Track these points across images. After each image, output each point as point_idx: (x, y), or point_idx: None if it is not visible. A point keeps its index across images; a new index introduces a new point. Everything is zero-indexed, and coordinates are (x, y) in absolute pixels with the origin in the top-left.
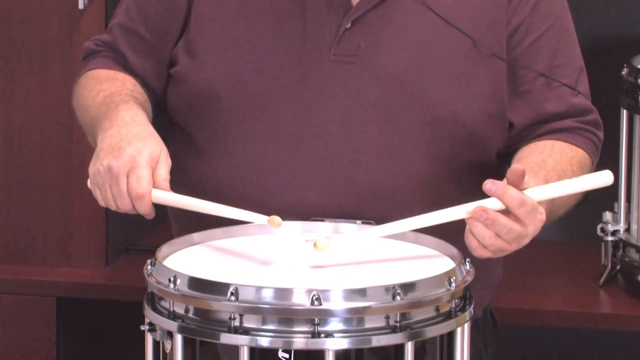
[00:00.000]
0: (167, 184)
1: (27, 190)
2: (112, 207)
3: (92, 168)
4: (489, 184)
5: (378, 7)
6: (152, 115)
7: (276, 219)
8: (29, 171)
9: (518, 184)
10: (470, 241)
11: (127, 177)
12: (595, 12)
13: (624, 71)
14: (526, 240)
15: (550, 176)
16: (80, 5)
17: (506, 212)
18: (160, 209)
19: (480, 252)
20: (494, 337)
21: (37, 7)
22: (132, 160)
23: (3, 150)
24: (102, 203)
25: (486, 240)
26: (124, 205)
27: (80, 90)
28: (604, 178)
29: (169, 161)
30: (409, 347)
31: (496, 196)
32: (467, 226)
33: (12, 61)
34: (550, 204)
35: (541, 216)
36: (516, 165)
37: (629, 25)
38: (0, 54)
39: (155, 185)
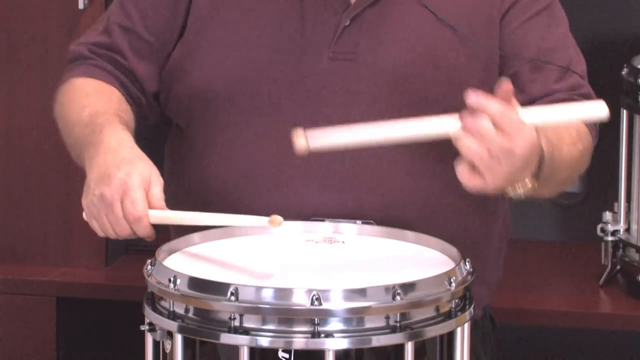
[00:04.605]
0: (162, 203)
1: (27, 190)
2: (112, 235)
3: (85, 200)
4: (472, 97)
5: (376, 4)
6: (146, 121)
7: (277, 218)
8: (29, 171)
9: (507, 101)
10: (461, 167)
11: (122, 203)
12: (595, 12)
13: (624, 71)
14: (517, 161)
15: (550, 136)
16: (80, 5)
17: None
18: None
19: (472, 181)
20: (493, 339)
21: (37, 7)
22: (123, 184)
23: (3, 150)
24: (100, 233)
25: (475, 153)
26: (123, 231)
27: (64, 101)
28: (599, 109)
29: (161, 180)
30: (409, 347)
31: (479, 107)
32: (459, 150)
33: (12, 61)
34: (550, 160)
35: (529, 134)
36: (504, 84)
37: (629, 25)
38: (0, 54)
39: (151, 206)
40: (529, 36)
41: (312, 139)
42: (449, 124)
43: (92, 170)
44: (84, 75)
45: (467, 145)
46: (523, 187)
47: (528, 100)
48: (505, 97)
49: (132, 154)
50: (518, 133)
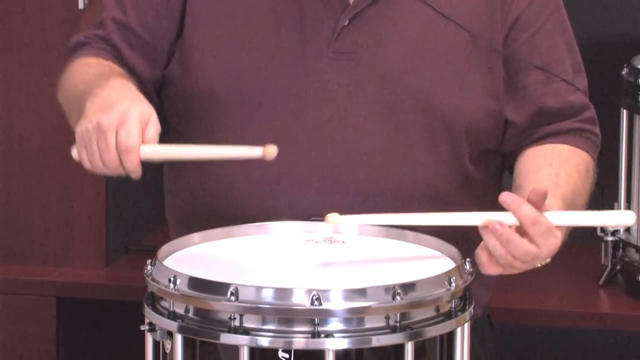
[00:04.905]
0: (155, 144)
1: (27, 190)
2: (99, 166)
3: (80, 128)
4: (504, 196)
5: (376, 4)
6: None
7: (271, 147)
8: (29, 171)
9: (539, 206)
10: (481, 256)
11: (117, 132)
12: (595, 12)
13: (624, 71)
14: (538, 262)
15: (566, 193)
16: (80, 5)
17: (520, 229)
18: (160, 210)
19: (489, 269)
20: (492, 339)
21: (37, 7)
22: (122, 115)
23: (3, 150)
24: (87, 164)
25: (498, 253)
26: (111, 161)
27: (67, 77)
28: (626, 218)
29: (159, 125)
30: (409, 347)
31: (511, 209)
32: (482, 241)
33: (12, 61)
34: (568, 229)
35: (556, 240)
36: (539, 187)
37: (629, 25)
38: (0, 54)
39: (144, 143)
40: (536, 50)
41: (343, 219)
42: (476, 219)
43: (93, 103)
44: (87, 55)
45: (492, 244)
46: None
47: (542, 113)
48: (537, 202)
49: (135, 94)
50: (545, 241)
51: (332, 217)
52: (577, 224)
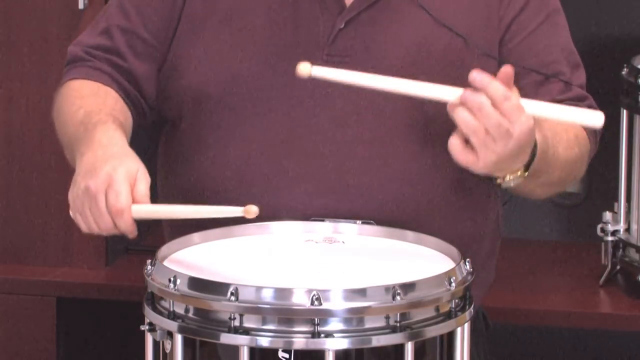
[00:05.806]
0: (147, 200)
1: (27, 190)
2: (94, 229)
3: (71, 194)
4: (474, 74)
5: (372, 7)
6: (145, 120)
7: (251, 208)
8: (29, 171)
9: (508, 86)
10: (455, 141)
11: (106, 195)
12: (596, 12)
13: (624, 71)
14: (512, 143)
15: (547, 135)
16: (80, 5)
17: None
18: None
19: (463, 155)
20: (486, 339)
21: (37, 7)
22: (109, 177)
23: (3, 150)
24: (84, 228)
25: (470, 126)
26: (105, 225)
27: (60, 103)
28: (596, 119)
29: (148, 178)
30: (409, 347)
31: (481, 86)
32: (456, 127)
33: (12, 61)
34: (544, 156)
35: (527, 120)
36: (507, 68)
37: (629, 25)
38: (1, 54)
39: (135, 202)
40: (531, 51)
41: (316, 69)
42: (449, 92)
43: (80, 165)
44: (81, 77)
45: (464, 118)
46: (513, 177)
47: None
48: (506, 81)
49: (121, 151)
50: (516, 116)
51: (303, 66)
52: (546, 114)
